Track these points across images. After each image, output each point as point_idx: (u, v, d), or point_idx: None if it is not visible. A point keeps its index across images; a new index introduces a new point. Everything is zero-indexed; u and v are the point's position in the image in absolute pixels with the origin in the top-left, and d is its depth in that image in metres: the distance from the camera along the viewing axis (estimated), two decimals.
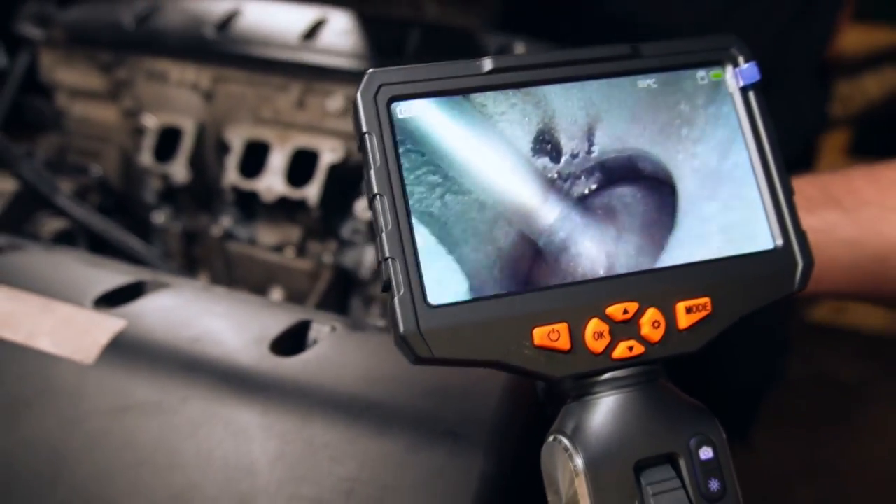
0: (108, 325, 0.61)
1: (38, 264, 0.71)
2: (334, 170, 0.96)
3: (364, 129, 0.40)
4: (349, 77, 0.97)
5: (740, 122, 0.43)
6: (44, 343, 0.60)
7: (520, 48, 0.97)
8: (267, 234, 1.02)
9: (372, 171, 0.39)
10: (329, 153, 0.96)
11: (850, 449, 2.04)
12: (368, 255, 0.98)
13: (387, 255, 0.39)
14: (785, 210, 0.42)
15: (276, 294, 1.01)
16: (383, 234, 0.39)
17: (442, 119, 0.41)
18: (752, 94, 0.43)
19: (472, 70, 0.41)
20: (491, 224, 0.40)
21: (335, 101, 0.97)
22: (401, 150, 0.40)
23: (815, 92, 1.24)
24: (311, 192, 0.95)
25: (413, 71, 0.40)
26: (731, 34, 0.44)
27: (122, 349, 0.59)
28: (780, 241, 0.42)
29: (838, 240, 0.61)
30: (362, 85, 0.40)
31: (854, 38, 2.64)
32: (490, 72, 0.41)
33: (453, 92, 0.41)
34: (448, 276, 0.39)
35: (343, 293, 0.99)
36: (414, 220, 0.39)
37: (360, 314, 0.98)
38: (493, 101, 0.41)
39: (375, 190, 0.39)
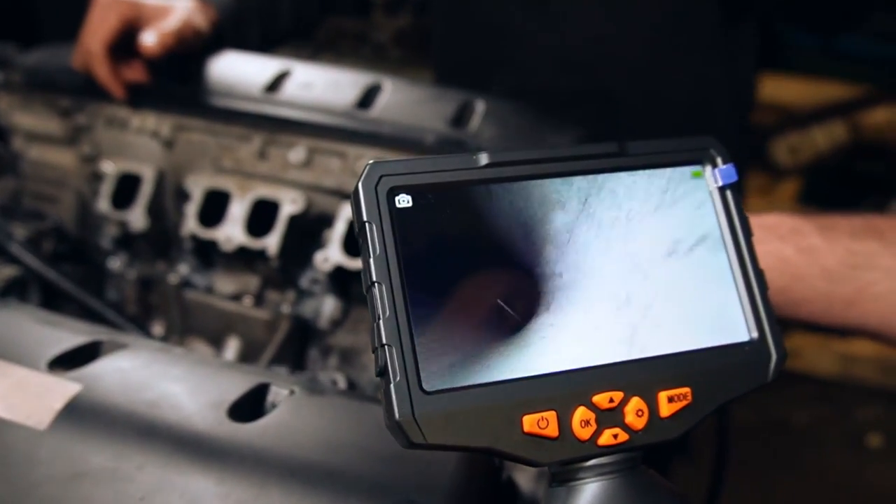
0: (63, 389, 0.60)
1: None
2: (294, 220, 0.96)
3: (365, 217, 0.41)
4: (312, 129, 0.98)
5: (718, 219, 0.46)
6: None
7: (480, 105, 0.99)
8: (225, 283, 1.01)
9: (371, 260, 0.40)
10: (290, 204, 0.96)
11: (802, 492, 2.09)
12: (327, 305, 0.99)
13: (384, 341, 0.40)
14: (760, 303, 0.45)
15: (233, 343, 1.00)
16: (381, 321, 0.40)
17: (440, 209, 0.42)
18: (729, 193, 0.46)
19: (470, 164, 0.43)
20: (485, 313, 0.42)
21: (297, 153, 0.98)
22: (399, 240, 0.41)
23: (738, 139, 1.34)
24: (271, 242, 0.95)
25: (413, 163, 0.42)
26: (711, 136, 0.46)
27: (77, 414, 0.58)
28: (755, 334, 0.45)
29: (876, 266, 0.65)
30: (363, 175, 0.41)
31: (803, 93, 2.76)
32: (486, 165, 0.43)
33: (451, 184, 0.42)
34: (442, 363, 0.40)
35: (301, 343, 0.99)
36: (411, 308, 0.40)
37: (318, 365, 0.98)
38: (488, 193, 0.43)
39: (374, 278, 0.40)
